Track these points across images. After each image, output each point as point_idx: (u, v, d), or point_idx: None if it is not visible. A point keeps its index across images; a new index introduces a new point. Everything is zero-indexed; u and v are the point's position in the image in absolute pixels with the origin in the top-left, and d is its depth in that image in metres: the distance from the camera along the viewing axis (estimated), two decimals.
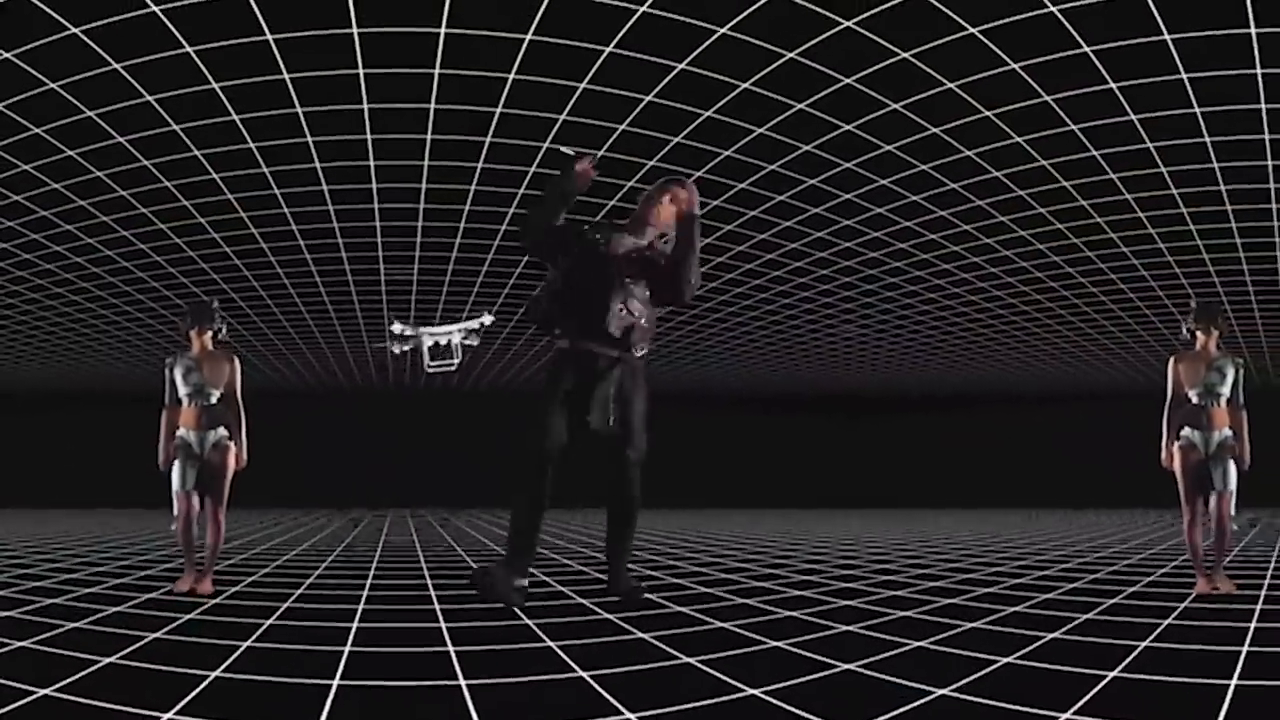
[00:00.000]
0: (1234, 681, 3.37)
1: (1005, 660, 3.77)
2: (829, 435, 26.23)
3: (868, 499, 24.71)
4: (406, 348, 6.33)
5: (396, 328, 6.30)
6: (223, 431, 5.99)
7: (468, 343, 6.32)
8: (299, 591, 5.94)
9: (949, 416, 26.16)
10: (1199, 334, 6.12)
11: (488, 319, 6.37)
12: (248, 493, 7.07)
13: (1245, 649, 3.97)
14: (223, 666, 3.62)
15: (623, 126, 7.42)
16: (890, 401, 26.18)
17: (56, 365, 19.17)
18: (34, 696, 3.09)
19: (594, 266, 5.30)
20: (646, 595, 5.59)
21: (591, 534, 11.75)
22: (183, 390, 5.99)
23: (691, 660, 3.77)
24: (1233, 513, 5.94)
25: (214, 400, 5.99)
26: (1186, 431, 6.03)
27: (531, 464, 5.12)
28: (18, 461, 23.45)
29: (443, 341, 6.32)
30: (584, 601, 5.48)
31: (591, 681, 3.41)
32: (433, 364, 6.30)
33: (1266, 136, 7.40)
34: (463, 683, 3.40)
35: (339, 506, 21.87)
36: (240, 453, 6.07)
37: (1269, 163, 7.95)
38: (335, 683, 3.39)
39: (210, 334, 6.11)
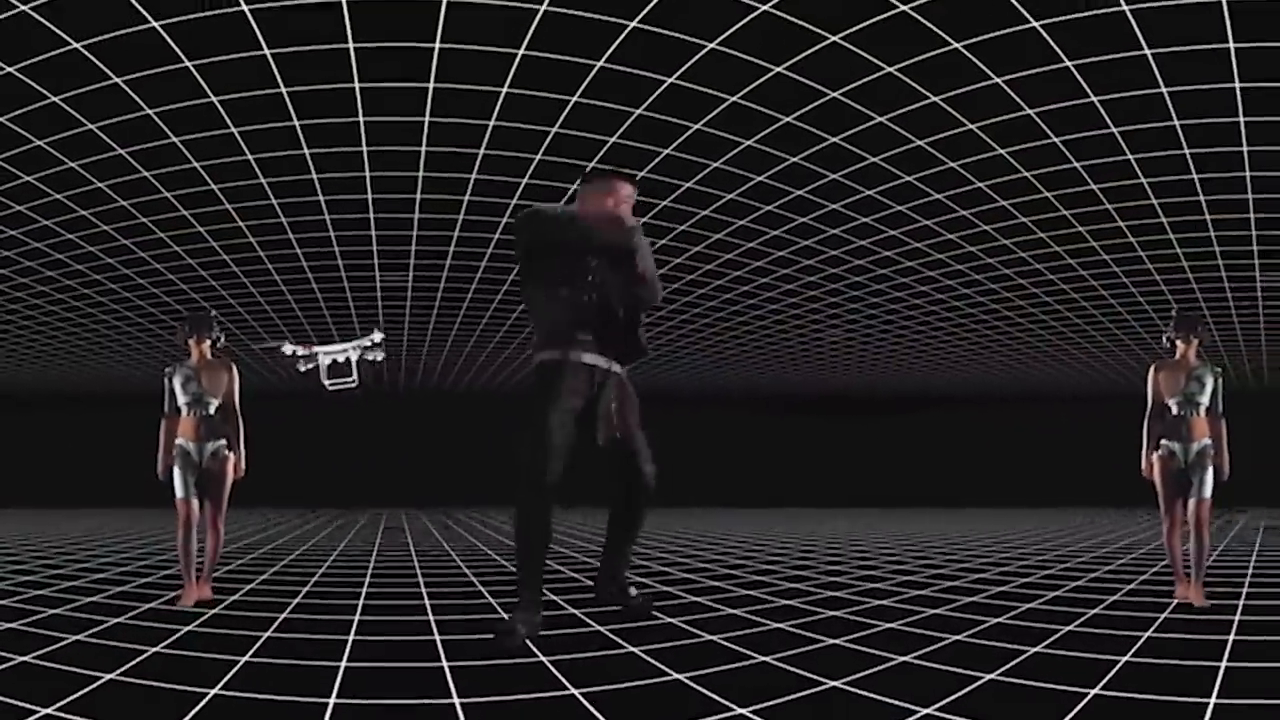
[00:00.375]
0: (1213, 700, 3.46)
1: (989, 676, 3.85)
2: (817, 436, 26.31)
3: (856, 499, 24.83)
4: (310, 365, 6.29)
5: (287, 349, 6.27)
6: (221, 442, 6.01)
7: (369, 358, 6.30)
8: (296, 600, 6.02)
9: (935, 417, 26.25)
10: (1179, 343, 6.18)
11: (379, 335, 6.33)
12: (246, 493, 7.12)
13: (1224, 664, 4.06)
14: (221, 683, 3.69)
15: (613, 139, 7.50)
16: (877, 403, 26.27)
17: (58, 368, 19.20)
18: (36, 716, 3.16)
19: (595, 271, 4.85)
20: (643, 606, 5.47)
21: (588, 535, 11.82)
22: (181, 399, 5.99)
23: (680, 676, 3.86)
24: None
25: (213, 410, 6.00)
26: (1166, 441, 6.09)
27: (535, 494, 4.66)
28: (18, 462, 23.46)
29: (340, 359, 6.28)
30: (575, 612, 5.56)
31: (582, 699, 3.50)
32: (331, 381, 6.29)
33: (1245, 148, 7.51)
34: (456, 701, 3.48)
35: (331, 506, 21.91)
36: (239, 462, 6.11)
37: (1247, 174, 8.06)
38: (332, 701, 3.47)
39: (209, 343, 6.12)
